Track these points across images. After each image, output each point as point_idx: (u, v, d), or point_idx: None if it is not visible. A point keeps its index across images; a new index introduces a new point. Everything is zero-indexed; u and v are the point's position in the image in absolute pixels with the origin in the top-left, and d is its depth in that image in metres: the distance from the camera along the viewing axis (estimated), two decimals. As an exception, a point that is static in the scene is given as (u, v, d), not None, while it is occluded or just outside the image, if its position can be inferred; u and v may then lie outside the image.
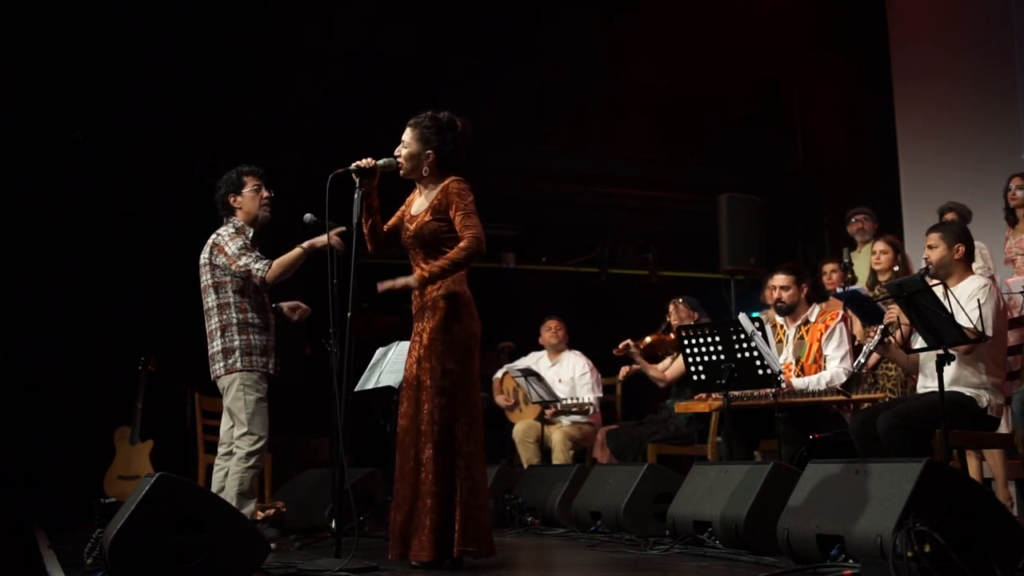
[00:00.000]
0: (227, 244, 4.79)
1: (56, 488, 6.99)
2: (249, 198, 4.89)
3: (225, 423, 4.85)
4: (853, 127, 9.61)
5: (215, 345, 4.81)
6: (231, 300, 4.80)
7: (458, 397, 3.81)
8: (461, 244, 3.85)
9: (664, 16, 9.61)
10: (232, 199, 4.90)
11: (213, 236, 4.87)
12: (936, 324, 4.08)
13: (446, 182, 3.94)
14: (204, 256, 4.86)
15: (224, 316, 4.79)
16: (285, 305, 5.06)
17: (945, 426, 4.03)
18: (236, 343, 4.76)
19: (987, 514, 3.19)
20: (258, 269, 4.73)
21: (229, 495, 4.63)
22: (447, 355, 3.83)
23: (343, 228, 4.34)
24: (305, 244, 4.74)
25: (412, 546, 3.78)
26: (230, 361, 4.75)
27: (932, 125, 8.74)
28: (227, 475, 4.76)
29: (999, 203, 6.30)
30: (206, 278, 4.85)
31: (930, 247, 4.64)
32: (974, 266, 5.67)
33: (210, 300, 4.83)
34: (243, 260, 4.73)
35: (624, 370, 7.01)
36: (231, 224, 4.87)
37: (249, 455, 4.67)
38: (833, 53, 9.51)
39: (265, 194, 4.93)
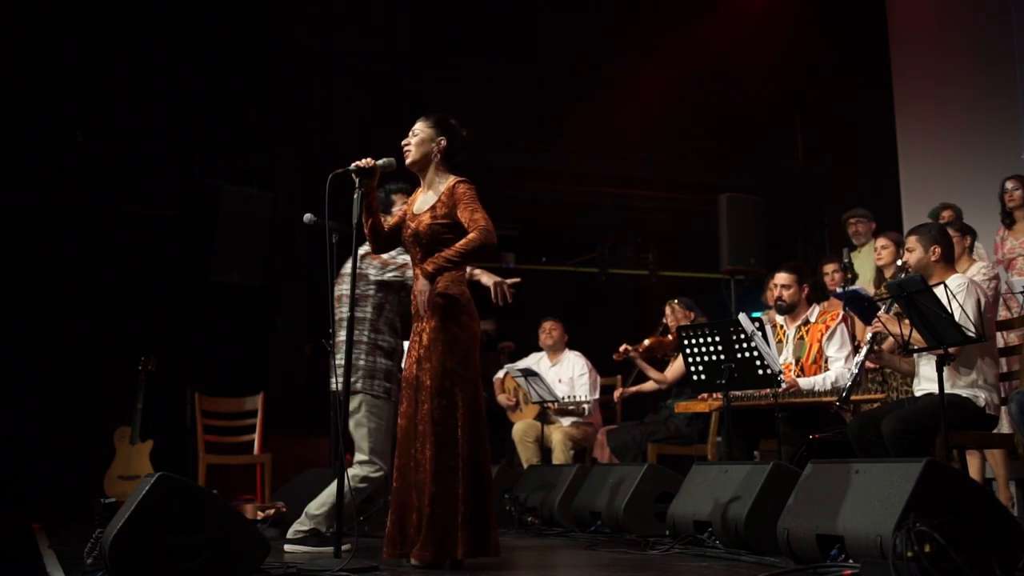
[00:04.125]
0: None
1: (56, 488, 6.99)
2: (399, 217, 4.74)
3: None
4: (853, 127, 9.61)
5: (340, 358, 4.53)
6: (368, 316, 4.63)
7: (459, 398, 3.79)
8: (470, 235, 3.78)
9: (663, 16, 9.62)
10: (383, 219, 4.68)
11: (365, 247, 4.54)
12: (936, 324, 4.08)
13: (452, 183, 3.90)
14: (349, 266, 4.54)
15: (357, 331, 4.59)
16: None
17: (945, 426, 4.03)
18: (361, 363, 4.59)
19: (987, 514, 3.19)
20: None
21: (326, 504, 4.54)
22: (448, 355, 3.80)
23: (518, 279, 4.21)
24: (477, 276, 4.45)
25: (412, 546, 3.77)
26: (352, 380, 4.52)
27: (932, 125, 8.73)
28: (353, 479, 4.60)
29: (998, 203, 6.30)
30: (344, 287, 4.59)
31: (908, 250, 4.69)
32: (976, 266, 5.67)
33: (344, 310, 4.54)
34: (401, 258, 4.55)
35: (617, 393, 7.04)
36: None
37: (364, 479, 4.55)
38: (833, 53, 9.52)
39: None
